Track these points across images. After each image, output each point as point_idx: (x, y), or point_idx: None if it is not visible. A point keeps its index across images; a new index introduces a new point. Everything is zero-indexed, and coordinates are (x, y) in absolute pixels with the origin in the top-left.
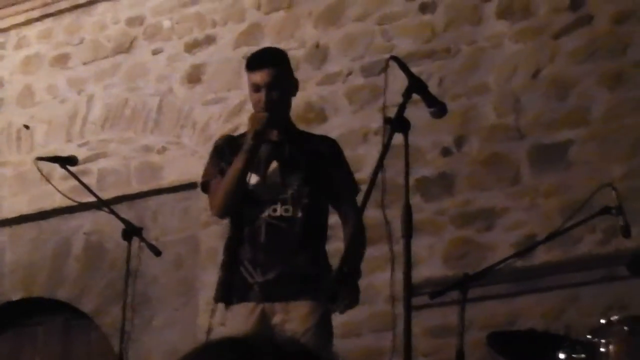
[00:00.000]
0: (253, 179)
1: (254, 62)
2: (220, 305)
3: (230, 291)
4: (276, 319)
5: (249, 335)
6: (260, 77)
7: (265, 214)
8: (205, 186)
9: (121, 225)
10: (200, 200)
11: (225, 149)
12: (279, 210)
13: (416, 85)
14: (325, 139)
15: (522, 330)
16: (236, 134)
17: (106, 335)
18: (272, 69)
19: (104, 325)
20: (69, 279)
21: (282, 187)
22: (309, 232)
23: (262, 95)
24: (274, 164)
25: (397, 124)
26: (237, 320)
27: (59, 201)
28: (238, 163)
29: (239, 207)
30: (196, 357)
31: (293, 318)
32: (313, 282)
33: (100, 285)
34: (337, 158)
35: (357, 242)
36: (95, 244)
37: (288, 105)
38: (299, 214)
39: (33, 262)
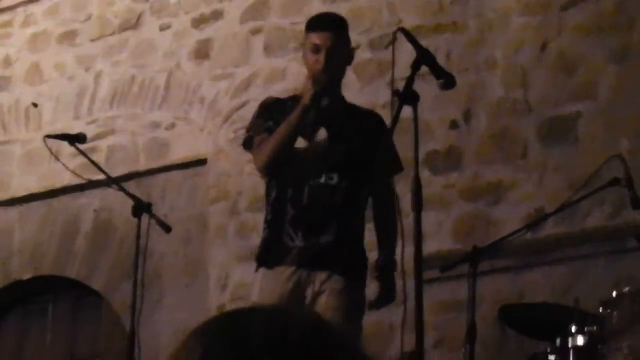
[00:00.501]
0: (299, 141)
1: (317, 22)
2: (232, 281)
3: (269, 253)
4: (310, 290)
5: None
6: (322, 38)
7: (310, 178)
8: (249, 142)
9: (130, 203)
10: (209, 177)
11: (272, 108)
12: (324, 177)
13: (424, 57)
14: (372, 114)
15: (534, 303)
16: (244, 108)
17: (116, 313)
18: (335, 32)
19: (113, 302)
20: (78, 257)
21: (329, 154)
22: (352, 204)
23: (321, 57)
24: (321, 131)
25: (406, 96)
26: (273, 284)
27: (67, 179)
28: (292, 121)
29: (283, 167)
30: (211, 326)
31: (327, 292)
32: (342, 256)
33: (109, 262)
34: (381, 134)
35: (394, 231)
36: (104, 221)
37: (341, 73)
38: (344, 184)
39: (42, 240)
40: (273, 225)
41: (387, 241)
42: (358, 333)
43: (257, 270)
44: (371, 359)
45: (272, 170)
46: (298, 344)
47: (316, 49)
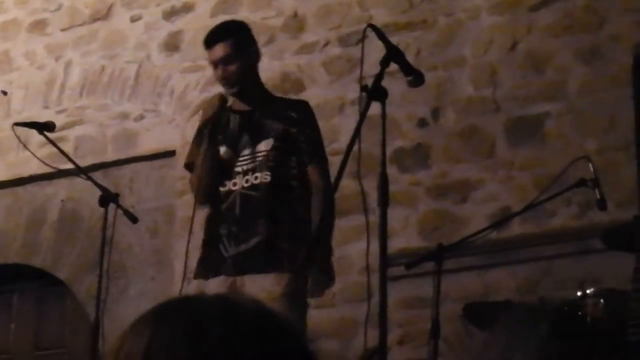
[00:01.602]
0: (225, 152)
1: (207, 40)
2: (197, 282)
3: (207, 267)
4: (245, 291)
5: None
6: (213, 54)
7: (238, 185)
8: (189, 167)
9: (97, 193)
10: (177, 169)
11: (204, 131)
12: (250, 179)
13: (393, 54)
14: (296, 103)
15: (498, 301)
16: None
17: (81, 303)
18: (223, 43)
19: (78, 293)
20: (44, 246)
21: (252, 156)
22: (276, 198)
23: (219, 70)
24: (245, 137)
25: (374, 92)
26: (210, 290)
27: (35, 168)
28: (202, 148)
29: (216, 185)
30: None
31: (259, 290)
32: (281, 252)
33: (75, 253)
34: (305, 120)
35: (328, 215)
36: (71, 211)
37: (251, 75)
38: (267, 179)
39: (8, 229)
40: (207, 243)
41: (318, 226)
42: (302, 324)
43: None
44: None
45: (207, 200)
46: (248, 326)
47: (215, 65)
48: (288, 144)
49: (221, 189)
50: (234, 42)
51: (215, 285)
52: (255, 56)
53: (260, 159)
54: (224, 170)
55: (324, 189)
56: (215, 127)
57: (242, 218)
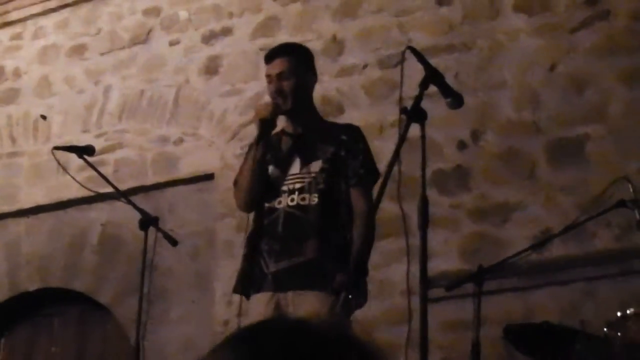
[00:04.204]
0: (274, 171)
1: (268, 55)
2: (238, 297)
3: (248, 283)
4: (289, 310)
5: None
6: (271, 67)
7: (284, 203)
8: (236, 183)
9: (137, 217)
10: (217, 192)
11: (254, 147)
12: (297, 199)
13: (433, 76)
14: (347, 127)
15: (538, 323)
16: (252, 125)
17: (122, 327)
18: (283, 59)
19: (120, 316)
20: (85, 270)
21: (300, 176)
22: (324, 219)
23: (272, 85)
24: (296, 159)
25: (414, 114)
26: (255, 310)
27: (75, 192)
28: (250, 156)
29: (259, 200)
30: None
31: (303, 309)
32: (324, 272)
33: (116, 276)
34: (355, 144)
35: (368, 238)
36: (112, 235)
37: (304, 96)
38: (315, 201)
39: (49, 253)
40: (247, 258)
41: (358, 250)
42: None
43: (233, 295)
44: None
45: (249, 207)
46: (327, 354)
47: (269, 80)
48: (337, 167)
49: (266, 204)
50: (292, 59)
51: (259, 302)
52: (311, 79)
53: (308, 180)
54: (270, 188)
55: (366, 212)
56: (266, 144)
57: (285, 236)
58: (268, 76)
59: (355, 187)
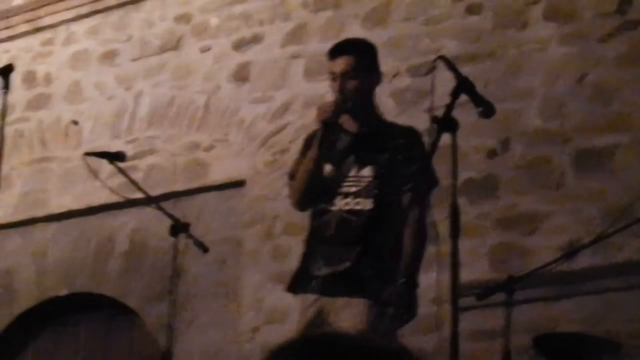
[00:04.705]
0: (328, 170)
1: (332, 50)
2: (266, 305)
3: (298, 282)
4: (331, 316)
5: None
6: (336, 65)
7: (337, 206)
8: (292, 178)
9: (165, 223)
10: (246, 200)
11: (312, 142)
12: (351, 203)
13: (464, 85)
14: (407, 130)
15: (568, 333)
16: (282, 132)
17: (149, 333)
18: (348, 57)
19: (147, 322)
20: (112, 276)
21: (356, 180)
22: (376, 226)
23: (336, 84)
24: (351, 157)
25: (445, 123)
26: (298, 310)
27: (104, 198)
28: (309, 153)
29: (314, 199)
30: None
31: (346, 317)
32: (371, 281)
33: (143, 282)
34: (412, 149)
35: (418, 249)
36: (140, 241)
37: (367, 96)
38: (369, 206)
39: (77, 259)
40: (305, 257)
41: (409, 258)
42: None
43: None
44: None
45: (304, 205)
46: None
47: (333, 77)
48: (393, 172)
49: (320, 205)
50: (358, 58)
51: (303, 303)
52: (376, 78)
53: (364, 183)
54: (325, 187)
55: (417, 221)
56: (322, 145)
57: (335, 240)
58: (332, 73)
59: (409, 193)
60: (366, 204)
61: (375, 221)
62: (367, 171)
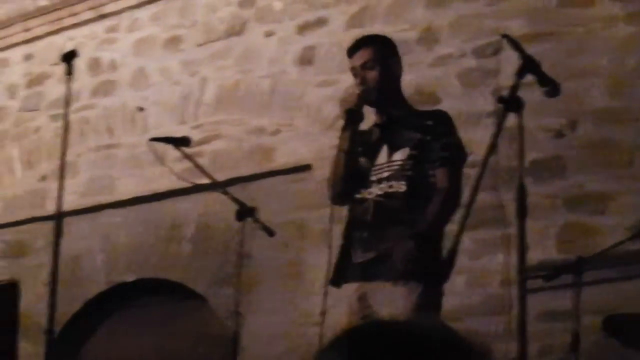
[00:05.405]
0: (363, 162)
1: (350, 48)
2: (334, 288)
3: (340, 274)
4: (374, 301)
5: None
6: (355, 59)
7: (373, 193)
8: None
9: (231, 208)
10: (311, 183)
11: (344, 135)
12: (385, 187)
13: (530, 64)
14: (434, 112)
15: (638, 314)
16: None
17: (216, 317)
18: (366, 49)
19: (214, 306)
20: (180, 261)
21: (388, 165)
22: (412, 206)
23: (358, 78)
24: (384, 148)
25: (511, 103)
26: (342, 301)
27: (171, 183)
28: (339, 147)
29: (351, 193)
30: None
31: (390, 300)
32: (412, 262)
33: (210, 267)
34: (440, 127)
35: (444, 211)
36: (206, 226)
37: (390, 85)
38: (403, 188)
39: (145, 244)
40: (344, 249)
41: (431, 220)
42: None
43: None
44: None
45: (342, 200)
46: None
47: (355, 73)
48: (424, 153)
49: (358, 196)
50: (376, 49)
51: (347, 292)
52: (397, 68)
53: (396, 167)
54: (361, 178)
55: (447, 188)
56: (355, 135)
57: (374, 225)
58: (353, 69)
59: (440, 168)
60: (400, 187)
61: (410, 201)
62: (398, 155)
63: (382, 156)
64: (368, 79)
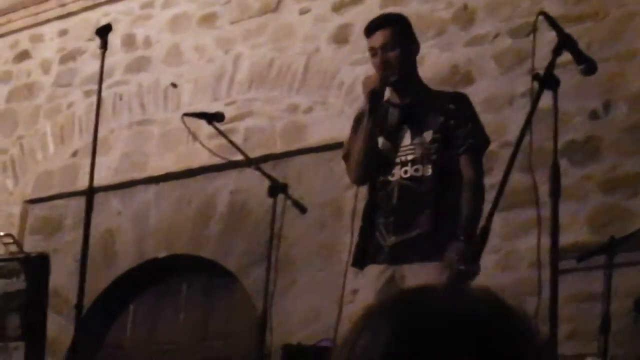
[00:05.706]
0: (384, 143)
1: (368, 27)
2: (354, 270)
3: (362, 256)
4: (404, 283)
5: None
6: (374, 40)
7: (397, 176)
8: (346, 157)
9: (264, 185)
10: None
11: (362, 119)
12: (410, 170)
13: (566, 42)
14: (455, 95)
15: None
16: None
17: (249, 295)
18: (385, 30)
19: (246, 284)
20: (212, 238)
21: (412, 148)
22: (439, 190)
23: (377, 58)
24: (405, 129)
25: (546, 80)
26: (368, 282)
27: (204, 159)
28: (362, 127)
29: (372, 172)
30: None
31: (421, 281)
32: (439, 244)
33: (243, 244)
34: (463, 112)
35: (476, 206)
36: (239, 203)
37: (410, 66)
38: (429, 172)
39: (177, 221)
40: (364, 232)
41: (467, 217)
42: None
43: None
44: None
45: (362, 180)
46: (484, 326)
47: (374, 52)
48: (448, 137)
49: (380, 177)
50: (394, 30)
51: (373, 274)
52: (414, 48)
53: (420, 150)
54: (382, 161)
55: (474, 180)
56: (372, 116)
57: (401, 208)
58: (372, 49)
59: (464, 155)
60: (426, 170)
61: (437, 186)
62: (422, 138)
63: (406, 138)
64: (390, 59)
